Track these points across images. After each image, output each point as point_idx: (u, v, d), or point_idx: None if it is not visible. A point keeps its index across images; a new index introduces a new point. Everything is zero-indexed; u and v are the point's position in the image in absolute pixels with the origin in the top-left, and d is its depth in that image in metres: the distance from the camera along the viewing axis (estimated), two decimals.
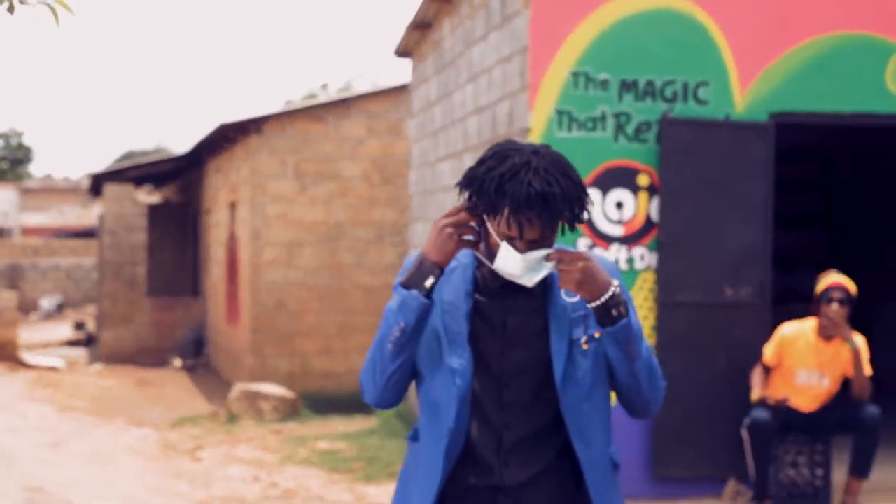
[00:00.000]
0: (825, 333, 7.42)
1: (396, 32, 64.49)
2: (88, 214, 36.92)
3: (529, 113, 7.67)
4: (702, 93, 7.81)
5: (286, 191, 14.78)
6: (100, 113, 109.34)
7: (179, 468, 10.00)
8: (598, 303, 2.90)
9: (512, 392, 3.02)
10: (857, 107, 8.04)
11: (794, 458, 7.63)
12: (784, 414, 7.50)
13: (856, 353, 7.38)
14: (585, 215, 2.90)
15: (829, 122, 8.22)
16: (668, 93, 7.78)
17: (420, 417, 3.12)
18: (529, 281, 2.91)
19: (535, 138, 7.62)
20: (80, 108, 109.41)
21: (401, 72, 65.50)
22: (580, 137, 7.69)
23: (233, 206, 16.45)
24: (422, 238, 11.75)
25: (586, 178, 7.67)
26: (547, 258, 2.88)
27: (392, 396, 3.03)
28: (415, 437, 3.16)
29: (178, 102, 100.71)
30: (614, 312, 2.91)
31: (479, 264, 3.03)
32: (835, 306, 7.33)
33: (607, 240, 7.72)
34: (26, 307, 28.48)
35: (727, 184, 7.81)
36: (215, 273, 18.31)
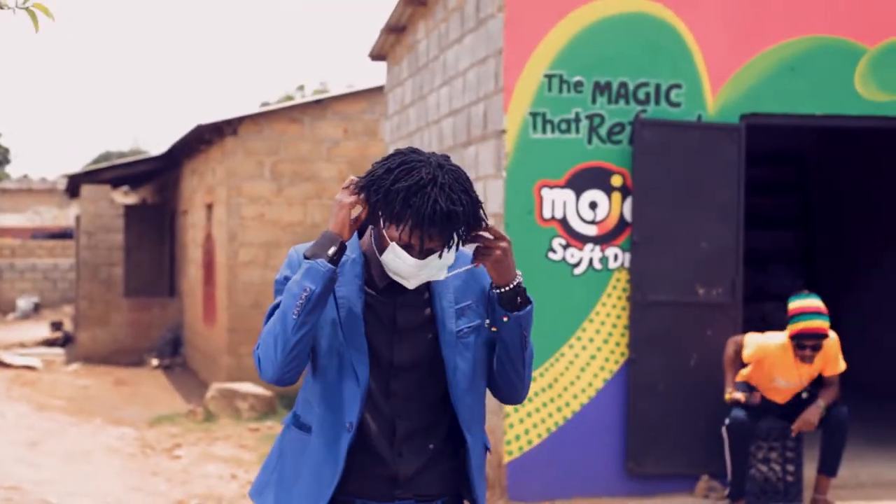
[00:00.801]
0: (803, 360, 7.45)
1: (370, 35, 64.38)
2: (65, 215, 36.82)
3: (504, 115, 7.76)
4: (674, 95, 7.92)
5: (262, 192, 14.83)
6: (75, 114, 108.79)
7: (157, 466, 10.05)
8: (509, 287, 3.03)
9: (400, 383, 3.12)
10: (827, 109, 8.16)
11: (766, 454, 7.75)
12: (759, 408, 7.61)
13: (832, 388, 7.57)
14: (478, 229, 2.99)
15: (800, 123, 8.34)
16: (641, 95, 7.88)
17: (311, 408, 3.15)
18: (409, 283, 3.00)
19: (509, 140, 7.71)
20: (55, 109, 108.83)
21: (375, 74, 65.37)
22: (554, 139, 7.79)
23: (209, 207, 16.47)
24: None
25: (561, 178, 7.77)
26: (472, 237, 2.98)
27: (293, 372, 3.02)
28: (300, 426, 3.19)
29: (153, 104, 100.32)
30: (519, 298, 3.04)
31: (365, 259, 3.11)
32: (808, 352, 7.37)
33: (581, 239, 7.82)
34: (3, 307, 28.45)
35: (699, 184, 7.92)
36: (192, 274, 18.34)
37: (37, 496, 8.70)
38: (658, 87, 7.91)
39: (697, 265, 7.90)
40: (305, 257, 2.97)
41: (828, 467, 7.57)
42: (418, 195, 2.85)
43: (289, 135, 14.89)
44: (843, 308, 12.33)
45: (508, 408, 7.69)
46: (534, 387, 7.72)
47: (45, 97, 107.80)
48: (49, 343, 21.71)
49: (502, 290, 3.04)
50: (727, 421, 7.51)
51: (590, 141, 7.84)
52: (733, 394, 7.53)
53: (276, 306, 3.06)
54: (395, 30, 11.68)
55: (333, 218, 2.98)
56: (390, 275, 3.02)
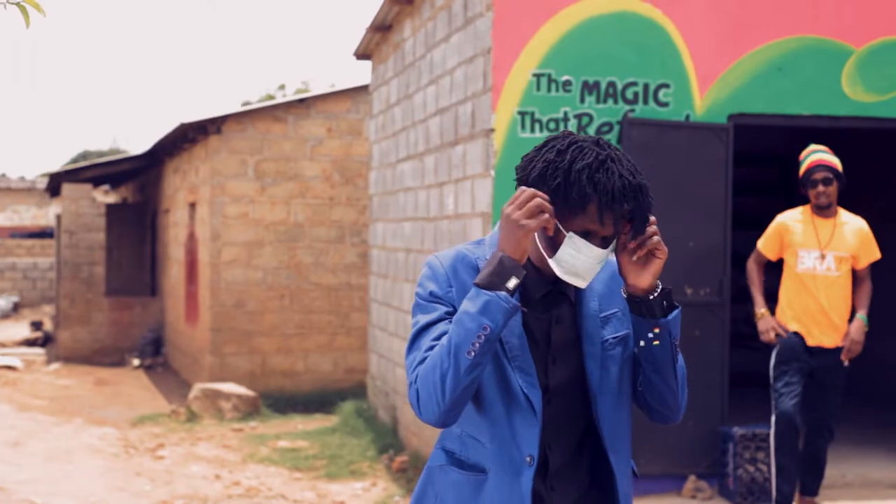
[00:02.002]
0: (819, 211, 7.26)
1: (352, 34, 64.17)
2: (44, 214, 36.63)
3: (492, 114, 7.74)
4: (662, 94, 7.91)
5: (246, 191, 14.78)
6: (54, 113, 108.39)
7: (140, 466, 9.99)
8: (658, 291, 2.79)
9: (553, 410, 2.82)
10: (814, 109, 8.17)
11: (753, 454, 7.74)
12: (803, 362, 7.25)
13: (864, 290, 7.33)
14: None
15: (787, 124, 8.34)
16: (630, 94, 7.88)
17: (478, 444, 2.82)
18: (584, 282, 2.74)
19: (498, 139, 7.70)
20: (33, 108, 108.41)
21: (359, 73, 65.21)
22: (543, 138, 7.74)
23: (192, 205, 16.41)
24: (381, 238, 11.81)
25: None
26: (643, 225, 2.73)
27: (458, 413, 2.70)
28: (463, 465, 2.86)
29: (131, 103, 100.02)
30: (666, 303, 2.80)
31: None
32: (820, 188, 7.18)
33: None
34: None
35: (688, 184, 7.92)
36: (174, 273, 18.26)
37: (20, 496, 8.65)
38: (646, 86, 7.91)
39: (686, 265, 7.89)
40: (478, 285, 2.63)
41: (809, 489, 7.49)
42: (600, 171, 2.63)
43: (272, 134, 14.84)
44: None
45: None
46: None
47: (23, 96, 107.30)
48: (29, 343, 21.59)
49: (654, 295, 2.77)
50: (773, 416, 7.20)
51: None
52: (765, 316, 7.31)
53: (425, 327, 2.76)
54: (381, 28, 11.66)
55: (511, 239, 2.62)
56: (563, 277, 2.72)
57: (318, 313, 15.04)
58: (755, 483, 7.73)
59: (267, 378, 14.81)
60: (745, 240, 10.01)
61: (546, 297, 2.82)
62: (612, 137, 7.82)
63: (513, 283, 2.62)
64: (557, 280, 2.80)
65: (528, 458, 2.75)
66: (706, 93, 7.97)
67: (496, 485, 2.77)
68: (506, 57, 7.76)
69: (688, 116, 7.95)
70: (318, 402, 14.17)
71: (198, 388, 13.02)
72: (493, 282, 2.62)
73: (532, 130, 7.76)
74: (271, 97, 38.06)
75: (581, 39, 7.83)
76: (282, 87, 41.22)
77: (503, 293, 2.60)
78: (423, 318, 2.77)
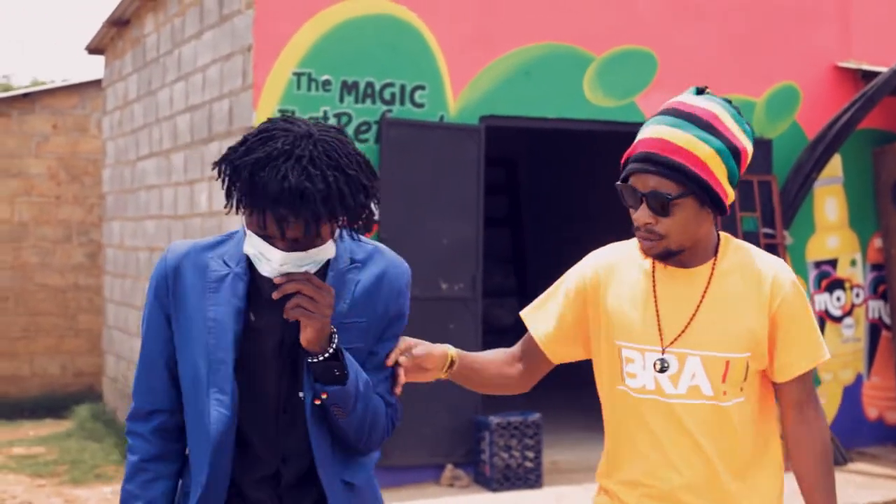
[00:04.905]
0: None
1: (86, 29, 62.09)
2: None
3: (253, 112, 7.77)
4: (418, 96, 8.14)
5: None
6: None
7: None
8: (326, 354, 2.50)
9: (288, 420, 2.61)
10: (558, 112, 8.58)
11: (508, 441, 8.06)
12: None
13: None
14: (372, 214, 2.51)
15: (534, 126, 8.72)
16: (387, 95, 8.06)
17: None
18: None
19: None
20: None
21: (91, 68, 62.71)
22: None
23: None
24: (118, 237, 11.59)
25: None
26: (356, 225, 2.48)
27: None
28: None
29: None
30: (337, 371, 2.51)
31: (251, 271, 2.58)
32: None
33: None
34: None
35: (442, 183, 8.17)
36: None
37: None
38: (403, 87, 8.12)
39: (440, 261, 8.14)
40: None
41: None
42: (266, 169, 2.34)
43: None
44: None
45: None
46: None
47: None
48: None
49: (318, 358, 2.49)
50: None
51: None
52: None
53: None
54: (118, 23, 11.43)
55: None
56: (262, 272, 2.51)
57: (45, 315, 14.55)
58: (510, 469, 8.05)
59: None
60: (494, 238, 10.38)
61: (284, 296, 2.49)
62: (370, 137, 8.00)
63: None
64: None
65: (198, 484, 2.59)
66: (459, 94, 8.25)
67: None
68: (267, 55, 7.80)
69: (442, 117, 8.21)
70: (46, 406, 13.71)
71: None
72: None
73: None
74: None
75: (340, 40, 7.96)
76: (5, 77, 39.50)
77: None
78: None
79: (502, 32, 8.39)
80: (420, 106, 8.14)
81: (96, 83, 14.07)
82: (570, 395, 11.51)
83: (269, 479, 2.63)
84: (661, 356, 2.69)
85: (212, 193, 8.62)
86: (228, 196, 2.43)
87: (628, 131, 8.99)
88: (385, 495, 7.93)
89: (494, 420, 8.03)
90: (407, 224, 8.04)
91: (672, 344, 2.70)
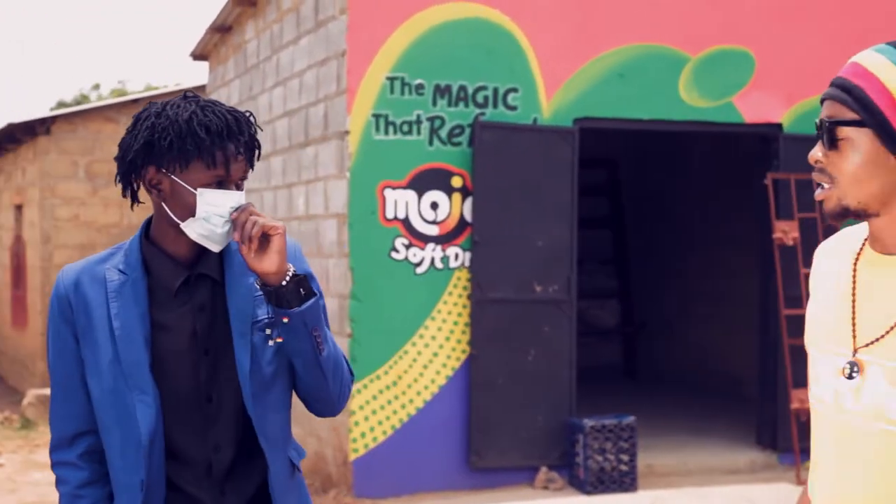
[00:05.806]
0: None
1: (168, 33, 63.22)
2: None
3: (347, 116, 7.85)
4: (511, 98, 8.15)
5: (77, 192, 14.52)
6: None
7: None
8: (288, 279, 2.48)
9: (215, 407, 2.59)
10: (653, 114, 8.53)
11: (602, 444, 8.03)
12: None
13: None
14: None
15: (629, 127, 8.67)
16: (480, 98, 8.09)
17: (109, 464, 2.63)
18: (222, 241, 2.51)
19: (353, 141, 7.81)
20: None
21: (176, 74, 64.08)
22: (396, 140, 7.92)
23: (18, 208, 16.02)
24: None
25: (403, 179, 7.91)
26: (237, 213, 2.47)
27: None
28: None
29: None
30: (303, 290, 2.50)
31: (148, 270, 2.58)
32: None
33: (423, 239, 7.97)
34: None
35: (536, 185, 8.17)
36: None
37: None
38: (496, 90, 8.13)
39: (534, 263, 8.14)
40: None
41: None
42: (207, 114, 2.45)
43: (104, 134, 14.61)
44: (652, 308, 12.85)
45: (353, 405, 7.79)
46: (378, 384, 7.85)
47: None
48: None
49: (285, 281, 2.48)
50: None
51: (431, 143, 8.00)
52: None
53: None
54: (221, 30, 11.63)
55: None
56: (199, 241, 2.51)
57: None
58: (604, 472, 8.02)
59: None
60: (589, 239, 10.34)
61: (183, 287, 2.56)
62: (463, 140, 8.03)
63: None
64: (196, 262, 2.58)
65: (139, 484, 2.54)
66: (553, 97, 8.24)
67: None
68: (360, 60, 7.88)
69: (535, 120, 8.21)
70: None
71: (32, 394, 12.74)
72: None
73: (386, 133, 7.90)
74: (85, 98, 37.28)
75: (433, 44, 8.01)
76: (96, 86, 40.44)
77: None
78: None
79: (595, 34, 8.36)
80: (513, 109, 8.15)
81: (202, 88, 14.33)
82: (668, 399, 11.47)
83: (205, 471, 2.60)
84: (849, 360, 2.00)
85: (308, 197, 8.73)
86: (171, 160, 2.45)
87: (725, 132, 8.92)
88: (479, 497, 7.99)
89: (589, 423, 8.01)
90: (500, 226, 8.06)
91: (864, 348, 2.00)
